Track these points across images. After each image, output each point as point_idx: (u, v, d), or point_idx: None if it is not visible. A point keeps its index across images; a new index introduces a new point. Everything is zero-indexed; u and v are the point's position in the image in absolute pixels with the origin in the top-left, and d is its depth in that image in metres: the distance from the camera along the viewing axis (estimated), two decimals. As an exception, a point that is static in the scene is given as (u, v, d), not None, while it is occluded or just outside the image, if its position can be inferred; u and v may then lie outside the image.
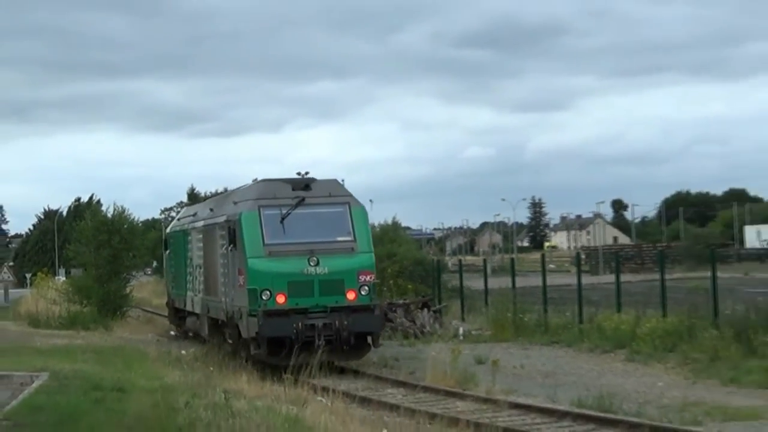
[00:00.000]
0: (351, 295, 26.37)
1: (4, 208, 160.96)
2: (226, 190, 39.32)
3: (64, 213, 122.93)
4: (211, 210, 33.58)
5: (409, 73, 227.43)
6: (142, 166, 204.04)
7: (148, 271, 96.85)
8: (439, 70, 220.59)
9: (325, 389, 22.39)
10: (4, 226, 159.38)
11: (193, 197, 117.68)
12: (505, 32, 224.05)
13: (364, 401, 22.02)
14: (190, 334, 38.77)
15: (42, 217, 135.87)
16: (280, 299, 25.90)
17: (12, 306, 57.77)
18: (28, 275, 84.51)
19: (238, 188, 32.38)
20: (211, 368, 25.89)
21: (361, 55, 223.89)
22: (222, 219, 29.67)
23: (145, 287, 79.45)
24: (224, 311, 29.11)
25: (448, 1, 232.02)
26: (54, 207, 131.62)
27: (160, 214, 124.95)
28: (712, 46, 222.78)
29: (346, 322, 25.63)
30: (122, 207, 54.09)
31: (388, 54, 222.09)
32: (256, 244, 26.48)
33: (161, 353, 30.74)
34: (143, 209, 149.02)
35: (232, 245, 27.67)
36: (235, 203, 28.79)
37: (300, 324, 25.26)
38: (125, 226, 52.27)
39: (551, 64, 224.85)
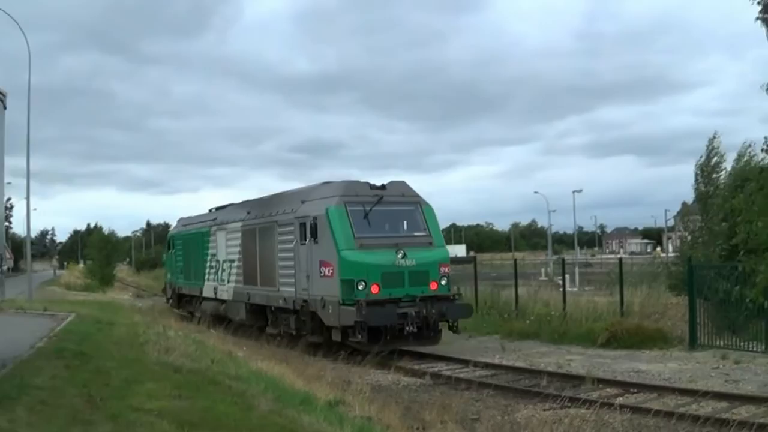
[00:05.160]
0: (434, 286, 15.76)
1: (56, 228, 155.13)
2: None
3: (83, 231, 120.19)
4: (248, 213, 20.53)
5: (265, 165, 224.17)
6: (124, 209, 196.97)
7: (125, 263, 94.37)
8: (281, 163, 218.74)
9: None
10: (54, 238, 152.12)
11: (148, 225, 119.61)
12: (314, 145, 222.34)
13: (235, 334, 19.58)
14: (197, 315, 24.71)
15: (72, 233, 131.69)
16: (375, 289, 15.12)
17: (57, 278, 57.02)
18: (65, 263, 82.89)
19: (290, 191, 19.76)
20: (156, 314, 25.08)
21: (241, 155, 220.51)
22: (288, 217, 17.55)
23: (123, 271, 76.60)
24: (286, 299, 17.56)
25: (285, 129, 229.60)
26: (78, 228, 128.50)
27: (131, 234, 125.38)
28: (416, 156, 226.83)
29: (433, 311, 15.30)
30: (112, 230, 57.46)
31: (256, 155, 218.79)
32: (348, 237, 15.55)
33: (131, 306, 30.04)
34: (122, 231, 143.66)
35: (312, 239, 16.18)
36: (303, 202, 17.21)
37: (395, 313, 14.97)
38: (113, 240, 54.45)
39: (336, 162, 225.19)
